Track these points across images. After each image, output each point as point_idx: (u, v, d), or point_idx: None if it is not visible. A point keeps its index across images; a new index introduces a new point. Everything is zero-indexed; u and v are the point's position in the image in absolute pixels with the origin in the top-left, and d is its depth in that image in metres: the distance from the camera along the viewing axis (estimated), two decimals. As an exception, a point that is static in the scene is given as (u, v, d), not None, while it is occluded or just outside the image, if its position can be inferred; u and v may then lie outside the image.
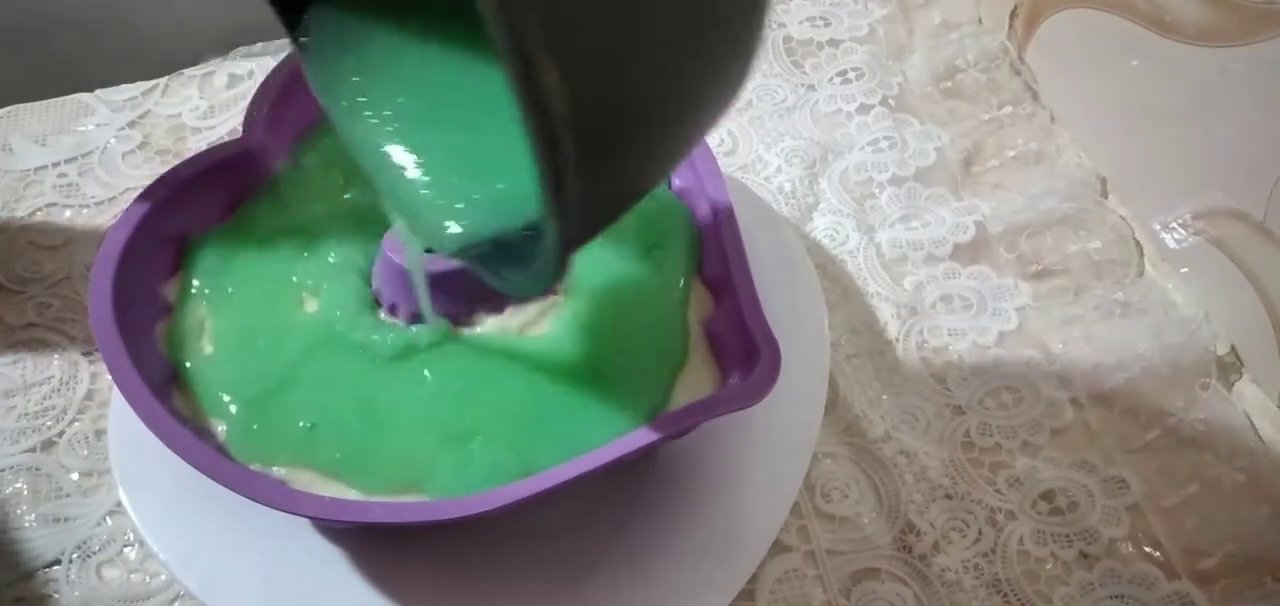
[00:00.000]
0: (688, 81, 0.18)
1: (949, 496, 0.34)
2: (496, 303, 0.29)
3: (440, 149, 0.24)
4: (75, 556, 0.31)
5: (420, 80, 0.24)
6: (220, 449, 0.26)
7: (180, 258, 0.29)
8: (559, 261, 0.19)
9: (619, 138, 0.17)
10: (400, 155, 0.24)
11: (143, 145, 0.41)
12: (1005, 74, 0.46)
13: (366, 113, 0.24)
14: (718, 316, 0.30)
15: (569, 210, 0.17)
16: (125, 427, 0.29)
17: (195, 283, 0.29)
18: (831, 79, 0.45)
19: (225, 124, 0.42)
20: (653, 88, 0.17)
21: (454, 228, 0.23)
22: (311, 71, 0.25)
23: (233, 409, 0.27)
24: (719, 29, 0.18)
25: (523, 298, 0.22)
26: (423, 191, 0.23)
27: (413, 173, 0.23)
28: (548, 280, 0.20)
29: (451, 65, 0.24)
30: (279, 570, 0.28)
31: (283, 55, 0.31)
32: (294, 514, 0.25)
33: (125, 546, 0.31)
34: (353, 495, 0.26)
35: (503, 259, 0.23)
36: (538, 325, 0.29)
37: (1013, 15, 0.46)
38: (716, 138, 0.43)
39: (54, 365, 0.35)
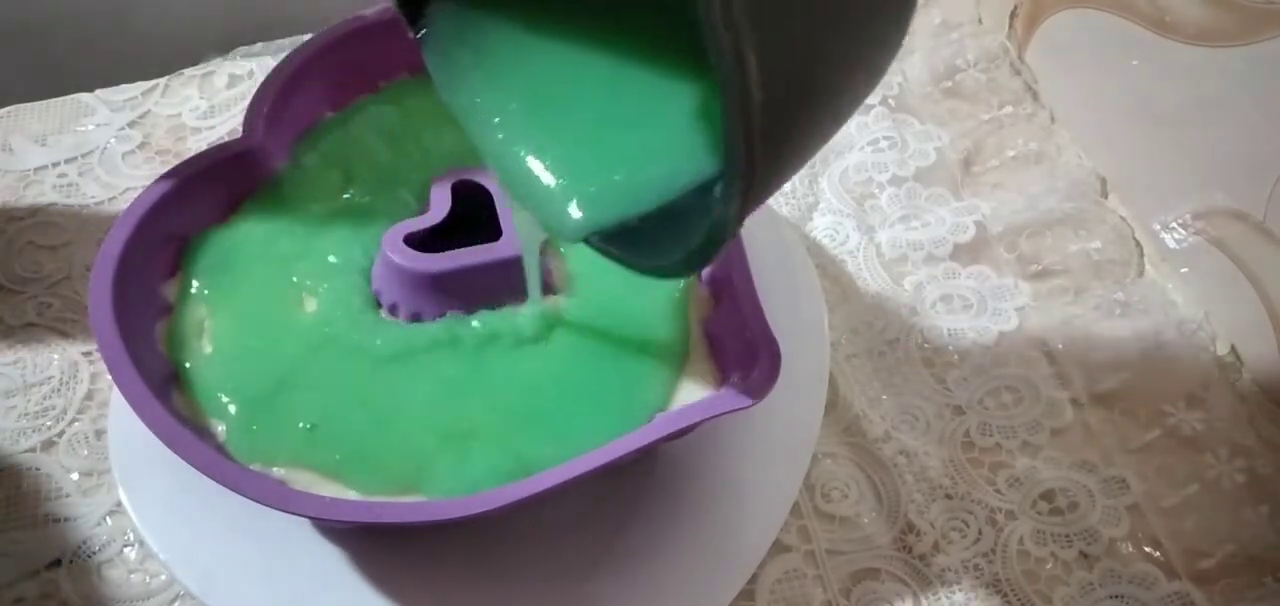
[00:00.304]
0: (855, 55, 0.20)
1: (949, 496, 0.34)
2: (496, 302, 0.29)
3: (562, 136, 0.24)
4: (75, 556, 0.31)
5: (541, 68, 0.25)
6: (220, 449, 0.26)
7: (180, 258, 0.29)
8: (732, 230, 0.20)
9: (798, 110, 0.19)
10: (521, 143, 0.24)
11: (143, 145, 0.41)
12: (1005, 74, 0.46)
13: (485, 102, 0.25)
14: (718, 316, 0.30)
15: (752, 178, 0.18)
16: (125, 427, 0.29)
17: (195, 283, 0.29)
18: (831, 79, 0.45)
19: (225, 124, 0.42)
20: (829, 61, 0.19)
21: (577, 214, 0.23)
22: (431, 62, 0.26)
23: (232, 409, 0.27)
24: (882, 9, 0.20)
25: (674, 274, 0.23)
26: (544, 179, 0.24)
27: (534, 161, 0.24)
28: (712, 253, 0.21)
29: (574, 53, 0.24)
30: (279, 570, 0.28)
31: (283, 55, 0.31)
32: (294, 514, 0.25)
33: (125, 546, 0.31)
34: (353, 495, 0.26)
35: (628, 244, 0.24)
36: (537, 325, 0.29)
37: (1013, 15, 0.46)
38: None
39: (54, 365, 0.35)
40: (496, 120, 0.25)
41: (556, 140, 0.24)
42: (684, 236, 0.22)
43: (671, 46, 0.23)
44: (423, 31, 0.26)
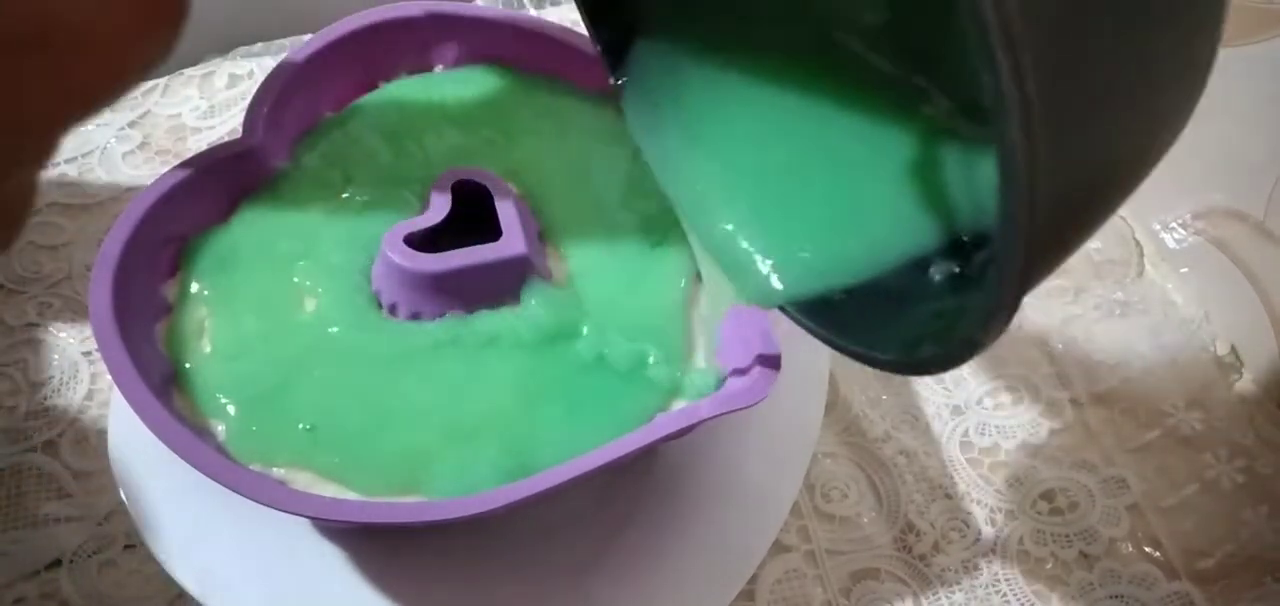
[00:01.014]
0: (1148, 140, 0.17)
1: (949, 496, 0.34)
2: (496, 302, 0.29)
3: (761, 198, 0.23)
4: (75, 556, 0.31)
5: (742, 121, 0.24)
6: (220, 449, 0.26)
7: (180, 257, 0.29)
8: (1010, 306, 0.16)
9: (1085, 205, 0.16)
10: (717, 205, 0.23)
11: (143, 145, 0.41)
12: (1005, 74, 0.46)
13: (683, 156, 0.24)
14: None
15: (1034, 237, 0.14)
16: (125, 427, 0.29)
17: (195, 283, 0.29)
18: (831, 79, 0.45)
19: (225, 124, 0.42)
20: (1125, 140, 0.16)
21: (777, 282, 0.22)
22: (629, 110, 0.25)
23: (232, 409, 0.27)
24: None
25: (908, 369, 0.20)
26: (741, 243, 0.23)
27: (730, 223, 0.23)
28: (956, 362, 0.17)
29: (777, 102, 0.23)
30: (279, 570, 0.28)
31: (283, 55, 0.31)
32: (294, 514, 0.25)
33: (125, 546, 0.31)
34: (353, 495, 0.26)
35: (833, 322, 0.22)
36: (537, 325, 0.29)
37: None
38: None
39: (54, 365, 0.35)
40: (694, 177, 0.24)
41: (756, 200, 0.23)
42: (897, 321, 0.20)
43: (886, 103, 0.22)
44: (623, 79, 0.25)
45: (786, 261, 0.22)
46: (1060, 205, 0.14)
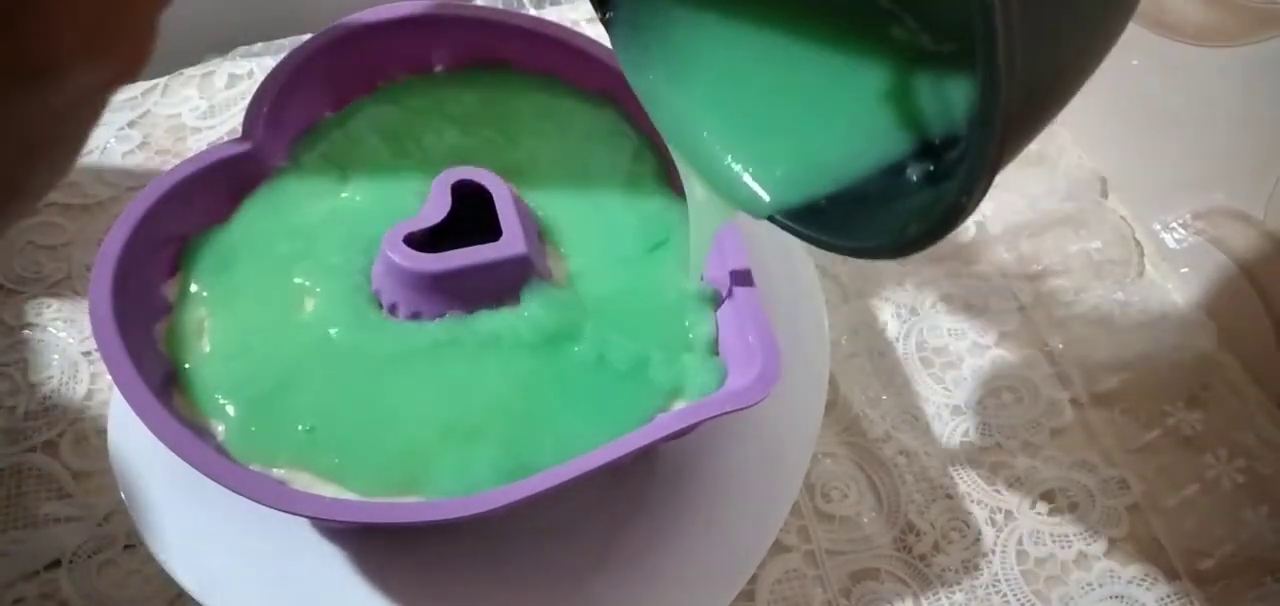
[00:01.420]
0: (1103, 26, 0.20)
1: (949, 496, 0.34)
2: (496, 302, 0.29)
3: (746, 118, 0.25)
4: (75, 556, 0.31)
5: (725, 50, 0.25)
6: (220, 449, 0.26)
7: (180, 257, 0.29)
8: (968, 210, 0.19)
9: (1047, 94, 0.18)
10: (705, 125, 0.25)
11: (143, 145, 0.41)
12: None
13: (670, 85, 0.26)
14: (718, 316, 0.30)
15: (998, 162, 0.18)
16: (125, 427, 0.29)
17: (195, 283, 0.29)
18: (831, 79, 0.45)
19: (225, 124, 0.42)
20: (1083, 36, 0.19)
21: (763, 194, 0.24)
22: (618, 46, 0.27)
23: (232, 410, 0.27)
24: None
25: (881, 255, 0.23)
26: (729, 160, 0.24)
27: (718, 142, 0.25)
28: (939, 236, 0.20)
29: (758, 33, 0.25)
30: (279, 570, 0.28)
31: (283, 55, 0.31)
32: (294, 514, 0.25)
33: (125, 546, 0.31)
34: (352, 496, 0.26)
35: (817, 224, 0.24)
36: (537, 325, 0.29)
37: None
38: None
39: (54, 365, 0.35)
40: (681, 105, 0.25)
41: (741, 122, 0.25)
42: (881, 217, 0.22)
43: (857, 26, 0.24)
44: (609, 14, 0.27)
45: (771, 174, 0.24)
46: (1031, 80, 0.17)
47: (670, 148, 0.26)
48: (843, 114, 0.24)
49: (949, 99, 0.23)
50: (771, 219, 0.25)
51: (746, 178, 0.25)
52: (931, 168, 0.22)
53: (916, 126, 0.23)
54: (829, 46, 0.24)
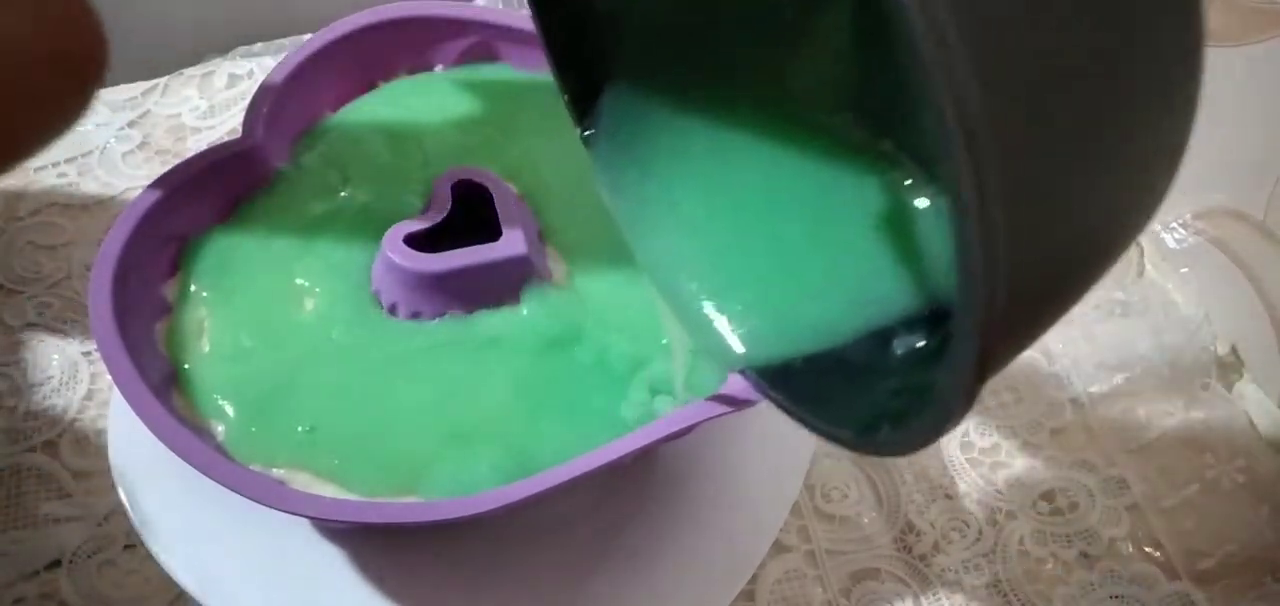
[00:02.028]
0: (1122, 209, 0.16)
1: (949, 496, 0.34)
2: (496, 302, 0.29)
3: (727, 261, 0.23)
4: (75, 556, 0.31)
5: (711, 178, 0.23)
6: (219, 449, 0.26)
7: (180, 257, 0.29)
8: (958, 411, 0.15)
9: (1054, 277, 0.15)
10: (683, 264, 0.23)
11: (143, 145, 0.41)
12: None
13: (649, 215, 0.24)
14: (718, 316, 0.30)
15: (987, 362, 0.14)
16: (125, 427, 0.29)
17: (195, 283, 0.29)
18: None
19: (225, 124, 0.42)
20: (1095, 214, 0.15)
21: (737, 345, 0.22)
22: (595, 165, 0.25)
23: (231, 410, 0.27)
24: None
25: (860, 446, 0.19)
26: (705, 306, 0.22)
27: (696, 283, 0.22)
28: (928, 439, 0.16)
29: (750, 173, 0.23)
30: (279, 570, 0.28)
31: (283, 55, 0.31)
32: (294, 514, 0.25)
33: (125, 546, 0.31)
34: (352, 496, 0.26)
35: (792, 392, 0.21)
36: (537, 325, 0.29)
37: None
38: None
39: (54, 365, 0.35)
40: (659, 237, 0.23)
41: (719, 266, 0.22)
42: (858, 394, 0.20)
43: (848, 160, 0.21)
44: (589, 132, 0.25)
45: (747, 326, 0.22)
46: (1023, 287, 0.14)
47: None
48: (830, 265, 0.21)
49: (941, 262, 0.20)
50: (742, 373, 0.22)
51: (720, 324, 0.22)
52: (919, 343, 0.19)
53: (907, 289, 0.20)
54: (820, 191, 0.22)
